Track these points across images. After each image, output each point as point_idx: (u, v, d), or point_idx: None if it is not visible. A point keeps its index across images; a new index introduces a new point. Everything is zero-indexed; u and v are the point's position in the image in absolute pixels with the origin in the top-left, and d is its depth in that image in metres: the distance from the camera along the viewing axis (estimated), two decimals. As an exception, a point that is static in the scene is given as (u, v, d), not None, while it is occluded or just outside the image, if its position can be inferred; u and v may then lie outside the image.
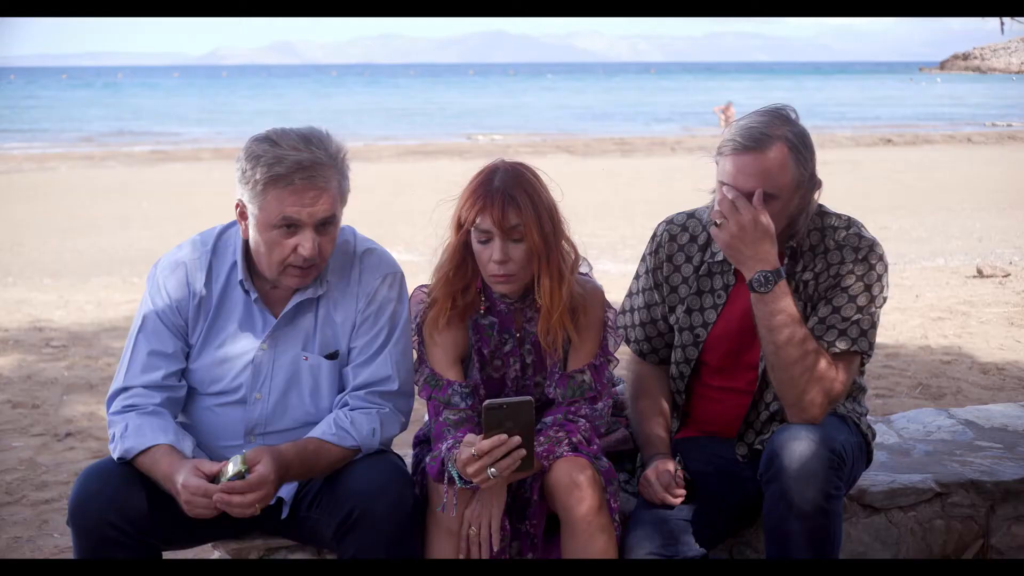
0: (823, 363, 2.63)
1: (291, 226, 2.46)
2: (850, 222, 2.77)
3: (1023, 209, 13.82)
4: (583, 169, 19.58)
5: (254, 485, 2.34)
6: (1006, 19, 4.61)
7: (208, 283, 2.63)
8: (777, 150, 2.60)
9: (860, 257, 2.71)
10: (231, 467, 2.35)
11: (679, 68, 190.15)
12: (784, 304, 2.62)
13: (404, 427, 2.69)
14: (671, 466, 2.71)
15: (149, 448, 2.46)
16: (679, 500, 2.68)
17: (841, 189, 13.84)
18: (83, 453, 4.71)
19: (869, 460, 2.89)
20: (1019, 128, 30.21)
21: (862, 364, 2.77)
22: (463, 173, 2.65)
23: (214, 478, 2.36)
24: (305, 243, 2.47)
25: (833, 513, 2.52)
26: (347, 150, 2.56)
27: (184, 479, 2.35)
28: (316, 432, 2.55)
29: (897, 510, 3.09)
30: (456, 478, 2.48)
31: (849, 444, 2.64)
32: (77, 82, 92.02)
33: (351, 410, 2.59)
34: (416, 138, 29.20)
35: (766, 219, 2.58)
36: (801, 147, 2.64)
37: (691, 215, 2.92)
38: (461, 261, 2.63)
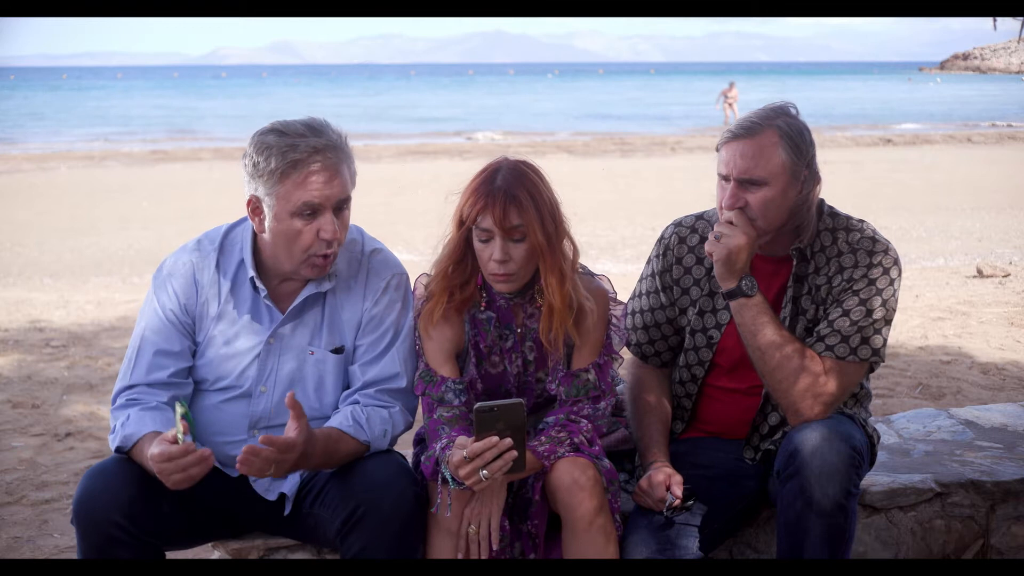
0: (808, 364, 2.64)
1: (311, 211, 2.49)
2: (864, 224, 2.78)
3: (1023, 209, 13.83)
4: (583, 169, 19.58)
5: (287, 447, 2.34)
6: (1001, 17, 4.62)
7: (216, 281, 2.65)
8: (768, 136, 2.64)
9: (875, 261, 2.71)
10: (178, 420, 2.30)
11: (679, 68, 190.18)
12: (765, 306, 2.66)
13: (410, 425, 2.71)
14: (665, 474, 2.70)
15: (143, 437, 2.46)
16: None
17: (841, 189, 13.85)
18: (83, 453, 4.71)
19: (872, 463, 2.89)
20: (1019, 128, 30.21)
21: (871, 370, 2.77)
22: (463, 173, 2.65)
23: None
24: (327, 225, 2.51)
25: (851, 511, 2.52)
26: (347, 137, 2.61)
27: (150, 450, 2.34)
28: (334, 422, 2.56)
29: (897, 510, 3.09)
30: (449, 479, 2.48)
31: (863, 443, 2.65)
32: (77, 82, 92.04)
33: (364, 407, 2.60)
34: (416, 138, 29.20)
35: (753, 240, 2.64)
36: (795, 136, 2.65)
37: (700, 216, 2.92)
38: (461, 257, 2.63)
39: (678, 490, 2.64)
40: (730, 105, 32.16)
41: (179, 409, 2.32)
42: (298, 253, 2.54)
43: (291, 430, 2.39)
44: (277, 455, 2.35)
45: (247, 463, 2.33)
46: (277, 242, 2.56)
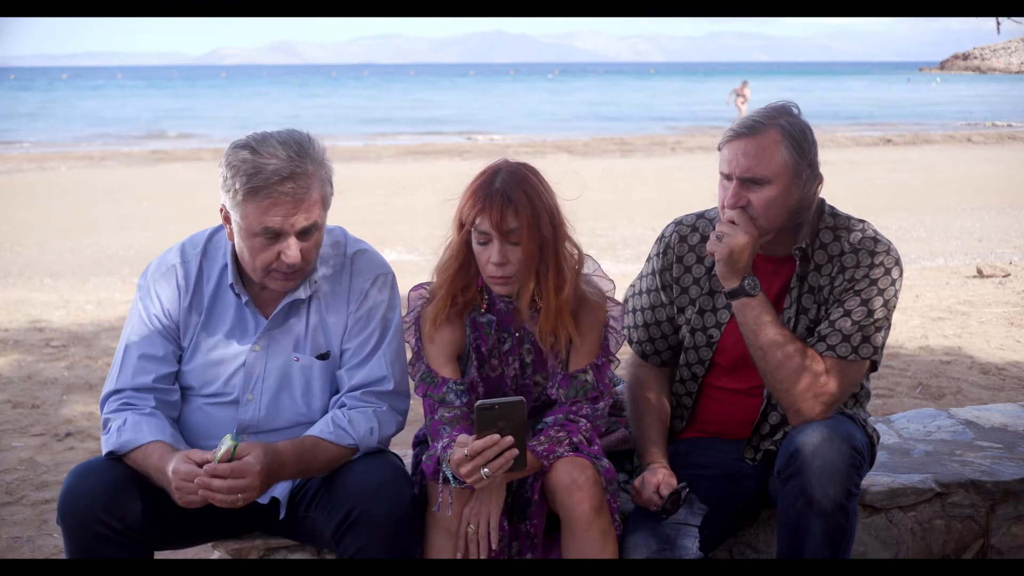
0: (810, 363, 2.64)
1: (272, 235, 2.47)
2: (865, 224, 2.78)
3: (1023, 209, 13.83)
4: (583, 169, 19.57)
5: (237, 472, 2.33)
6: (1002, 19, 4.60)
7: (199, 286, 2.64)
8: (770, 135, 2.63)
9: (876, 261, 2.71)
10: (222, 446, 2.34)
11: (679, 68, 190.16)
12: (767, 305, 2.66)
13: (401, 426, 2.70)
14: (661, 476, 2.70)
15: (144, 445, 2.46)
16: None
17: (841, 189, 13.83)
18: (83, 453, 4.71)
19: (872, 463, 2.89)
20: (1019, 128, 30.20)
21: (873, 369, 2.77)
22: (463, 173, 2.65)
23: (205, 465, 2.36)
24: (288, 251, 2.47)
25: (851, 511, 2.52)
26: (328, 154, 2.55)
27: (175, 466, 2.36)
28: (314, 431, 2.56)
29: (897, 510, 3.09)
30: (451, 478, 2.48)
31: (864, 444, 2.65)
32: (77, 82, 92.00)
33: (348, 409, 2.59)
34: (416, 138, 29.20)
35: (755, 239, 2.64)
36: (797, 135, 2.65)
37: (700, 215, 2.92)
38: (464, 260, 2.63)
39: (665, 491, 2.64)
40: (742, 103, 32.05)
41: (229, 442, 2.34)
42: (259, 268, 2.52)
43: (246, 458, 2.37)
44: (232, 483, 2.33)
45: (211, 499, 2.33)
46: (242, 254, 2.55)
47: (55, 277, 9.89)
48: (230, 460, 2.34)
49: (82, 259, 10.83)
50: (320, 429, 2.55)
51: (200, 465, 2.35)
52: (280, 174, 2.42)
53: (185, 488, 2.34)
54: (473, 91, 70.96)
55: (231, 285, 2.61)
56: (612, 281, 2.77)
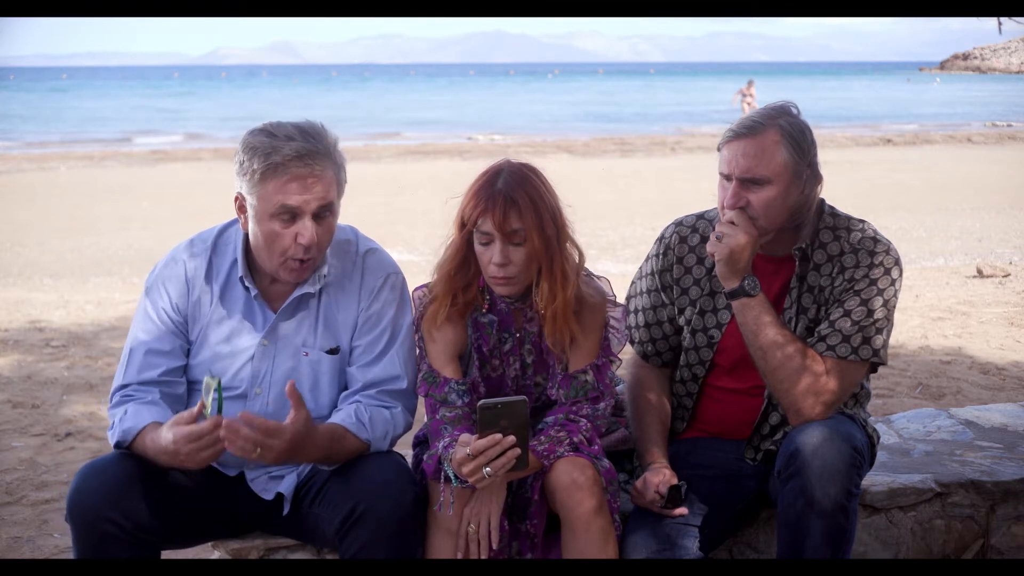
0: (810, 364, 2.64)
1: (289, 215, 2.49)
2: (864, 224, 2.78)
3: (1023, 209, 13.83)
4: (583, 169, 19.57)
5: (272, 431, 2.34)
6: (1004, 19, 4.60)
7: (209, 281, 2.65)
8: (769, 135, 2.63)
9: (876, 261, 2.71)
10: (209, 393, 2.32)
11: (679, 68, 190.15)
12: (767, 305, 2.66)
13: (410, 426, 2.71)
14: (662, 476, 2.70)
15: (144, 429, 2.47)
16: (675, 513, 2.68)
17: (841, 189, 13.84)
18: (83, 453, 4.71)
19: (872, 463, 2.89)
20: (1019, 128, 30.19)
21: (875, 370, 2.77)
22: (463, 173, 2.65)
23: (197, 421, 2.35)
24: (304, 231, 2.49)
25: (852, 511, 2.52)
26: (339, 142, 2.60)
27: (172, 435, 2.35)
28: (337, 419, 2.57)
29: (897, 510, 3.09)
30: (452, 477, 2.48)
31: (864, 444, 2.65)
32: (77, 82, 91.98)
33: (366, 407, 2.60)
34: (416, 138, 29.19)
35: (755, 239, 2.63)
36: (797, 135, 2.65)
37: (700, 216, 2.92)
38: (463, 259, 2.63)
39: (663, 489, 2.65)
40: (748, 104, 32.04)
41: (211, 383, 2.32)
42: (276, 255, 2.54)
43: (288, 419, 2.39)
44: (261, 438, 2.34)
45: (229, 440, 2.33)
46: (257, 242, 2.56)
47: (55, 277, 9.89)
48: (220, 402, 2.32)
49: (82, 259, 10.83)
50: (342, 418, 2.56)
51: (191, 422, 2.34)
52: (297, 152, 2.47)
53: (191, 449, 2.33)
54: (473, 91, 70.92)
55: (241, 278, 2.63)
56: (610, 282, 2.78)
